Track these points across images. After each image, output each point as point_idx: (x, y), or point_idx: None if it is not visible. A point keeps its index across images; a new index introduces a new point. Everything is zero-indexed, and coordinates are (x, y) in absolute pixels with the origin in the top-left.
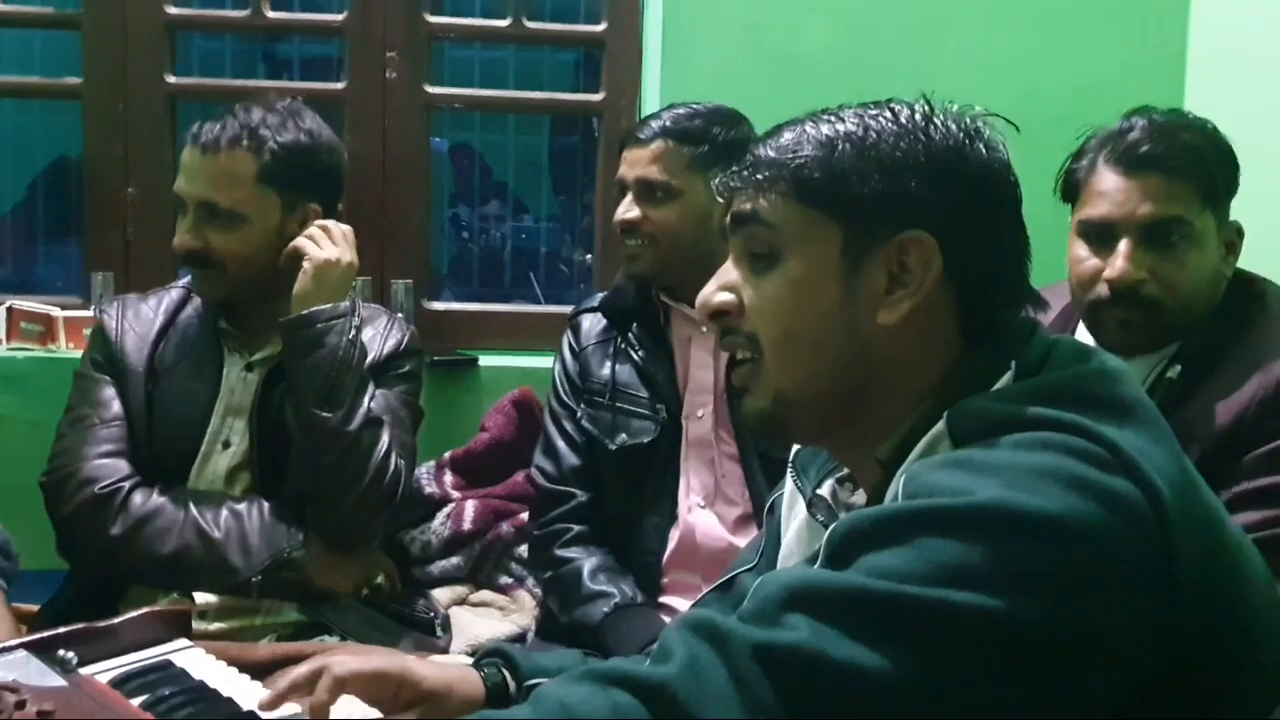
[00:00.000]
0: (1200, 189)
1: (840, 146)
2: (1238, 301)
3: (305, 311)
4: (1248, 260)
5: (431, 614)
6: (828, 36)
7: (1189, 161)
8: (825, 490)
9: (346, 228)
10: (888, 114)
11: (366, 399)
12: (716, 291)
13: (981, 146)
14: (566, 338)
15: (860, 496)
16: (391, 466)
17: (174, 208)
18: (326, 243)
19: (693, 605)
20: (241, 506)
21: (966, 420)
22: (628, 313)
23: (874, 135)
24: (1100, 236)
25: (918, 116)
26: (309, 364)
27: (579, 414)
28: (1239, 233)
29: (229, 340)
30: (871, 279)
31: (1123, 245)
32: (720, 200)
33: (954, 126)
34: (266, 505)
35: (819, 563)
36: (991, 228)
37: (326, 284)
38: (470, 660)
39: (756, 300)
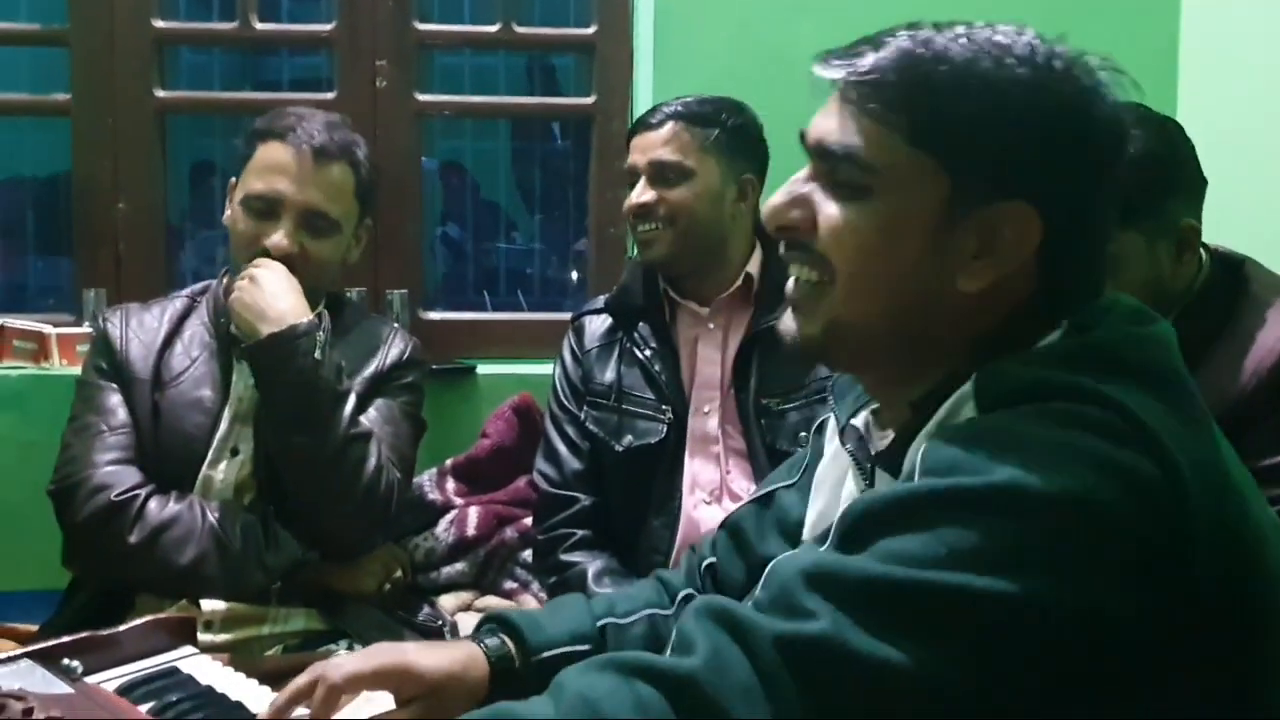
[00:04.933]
0: None
1: (973, 89)
2: (1223, 284)
3: (263, 337)
4: (1240, 247)
5: (440, 622)
6: (819, 36)
7: None
8: (859, 421)
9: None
10: (1020, 46)
11: (345, 415)
12: (789, 207)
13: (1107, 106)
14: (568, 341)
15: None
16: (383, 482)
17: (246, 204)
18: (253, 278)
19: (732, 512)
20: (256, 515)
21: (992, 383)
22: (634, 311)
23: (1007, 82)
24: None
25: (1056, 63)
26: (278, 391)
27: (582, 417)
28: (1193, 229)
29: (238, 348)
30: (963, 239)
31: None
32: (816, 74)
33: (1084, 79)
34: (281, 513)
35: (829, 542)
36: (1099, 206)
37: (264, 304)
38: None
39: (838, 227)
